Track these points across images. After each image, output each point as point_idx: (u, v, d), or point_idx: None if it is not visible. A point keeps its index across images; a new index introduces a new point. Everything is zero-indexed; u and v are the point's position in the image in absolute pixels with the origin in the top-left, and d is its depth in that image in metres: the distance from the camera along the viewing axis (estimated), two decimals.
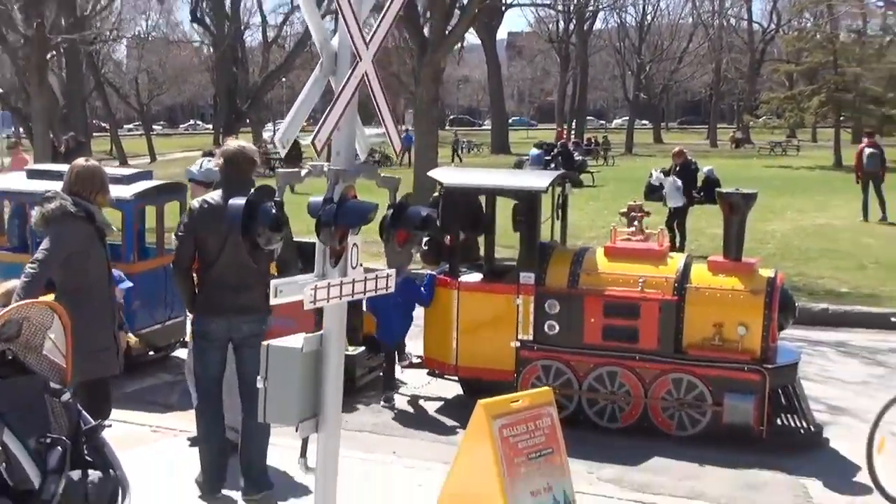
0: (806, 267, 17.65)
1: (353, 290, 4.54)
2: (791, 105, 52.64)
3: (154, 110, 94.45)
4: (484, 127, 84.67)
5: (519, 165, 35.18)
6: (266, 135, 62.17)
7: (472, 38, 76.10)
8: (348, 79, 4.36)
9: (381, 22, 4.54)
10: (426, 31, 19.68)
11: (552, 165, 34.56)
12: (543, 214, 10.09)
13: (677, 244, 19.02)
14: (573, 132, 68.38)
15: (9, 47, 29.76)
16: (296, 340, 4.56)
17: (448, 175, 10.54)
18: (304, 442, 5.04)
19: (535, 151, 36.94)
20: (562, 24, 73.80)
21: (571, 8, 69.26)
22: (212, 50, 60.29)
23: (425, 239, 10.42)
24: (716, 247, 11.83)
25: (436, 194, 10.71)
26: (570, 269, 9.60)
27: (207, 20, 57.38)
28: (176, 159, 59.65)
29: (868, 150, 25.00)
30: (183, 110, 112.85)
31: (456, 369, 9.98)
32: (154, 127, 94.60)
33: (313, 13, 4.40)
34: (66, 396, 5.91)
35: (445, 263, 10.23)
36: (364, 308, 10.26)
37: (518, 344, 9.60)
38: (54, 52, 38.11)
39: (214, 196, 6.79)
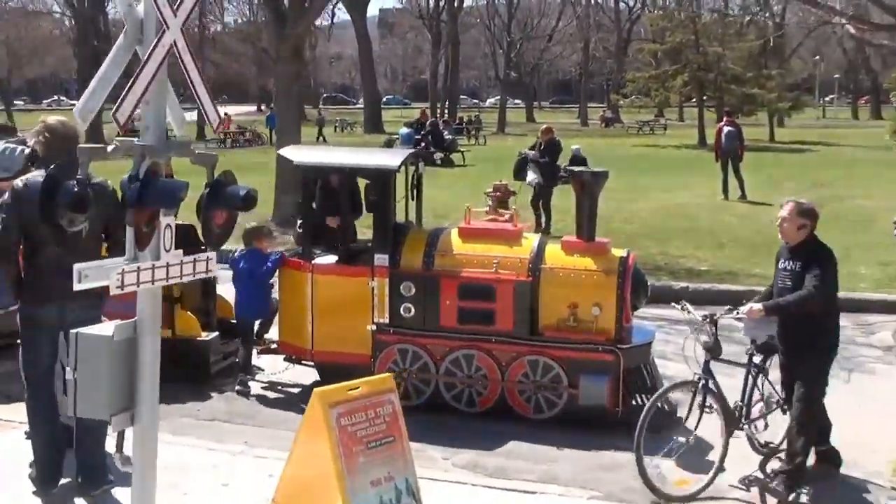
0: (667, 246, 17.84)
1: (167, 275, 4.26)
2: (656, 84, 53.53)
3: (15, 85, 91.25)
4: (358, 106, 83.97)
5: (389, 144, 34.93)
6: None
7: (342, 14, 75.88)
8: (153, 49, 4.07)
9: None
10: (285, 3, 19.13)
11: (422, 144, 34.44)
12: (399, 194, 9.88)
13: (543, 224, 19.06)
14: (446, 111, 68.32)
15: None
16: (107, 328, 4.25)
17: (299, 154, 10.22)
18: (120, 436, 4.73)
19: (404, 130, 36.78)
20: (432, 1, 73.58)
21: None
22: (73, 22, 58.36)
23: (299, 222, 10.17)
24: None
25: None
26: (425, 250, 9.41)
27: None
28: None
29: (726, 129, 25.44)
30: (46, 84, 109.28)
31: (312, 354, 9.72)
32: (16, 102, 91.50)
33: None
34: None
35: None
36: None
37: (374, 327, 9.38)
38: None
39: (38, 175, 6.40)
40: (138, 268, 4.07)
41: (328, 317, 9.55)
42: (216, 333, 10.02)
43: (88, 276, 3.97)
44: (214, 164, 4.45)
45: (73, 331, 4.29)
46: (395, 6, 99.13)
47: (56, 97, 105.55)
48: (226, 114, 48.52)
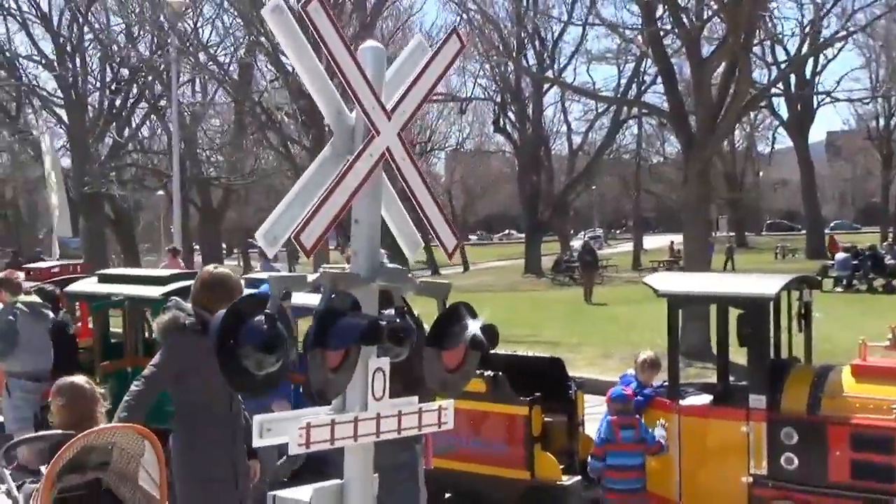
0: None
1: (377, 429, 3.46)
2: None
3: (470, 220, 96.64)
4: (801, 232, 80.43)
5: (823, 271, 32.53)
6: (575, 243, 61.91)
7: (785, 139, 73.32)
8: (355, 159, 3.34)
9: (411, 85, 3.53)
10: (692, 127, 18.27)
11: (860, 271, 31.81)
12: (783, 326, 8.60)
13: None
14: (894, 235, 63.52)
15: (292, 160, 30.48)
16: (304, 492, 3.51)
17: (664, 282, 9.19)
18: None
19: (840, 256, 34.18)
20: (882, 120, 69.19)
21: (892, 102, 64.95)
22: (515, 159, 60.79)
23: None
24: None
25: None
26: (810, 391, 8.01)
27: (509, 129, 57.96)
28: (489, 268, 60.40)
29: None
30: (498, 220, 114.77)
31: None
32: (471, 237, 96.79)
33: (315, 73, 3.41)
34: None
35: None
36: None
37: (750, 480, 8.06)
38: None
39: None
40: (332, 421, 3.32)
41: (697, 465, 8.36)
42: (579, 478, 9.08)
43: (272, 429, 3.27)
44: (446, 294, 3.65)
45: (271, 493, 3.60)
46: (842, 128, 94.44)
47: (507, 231, 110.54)
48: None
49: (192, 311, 6.01)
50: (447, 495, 9.59)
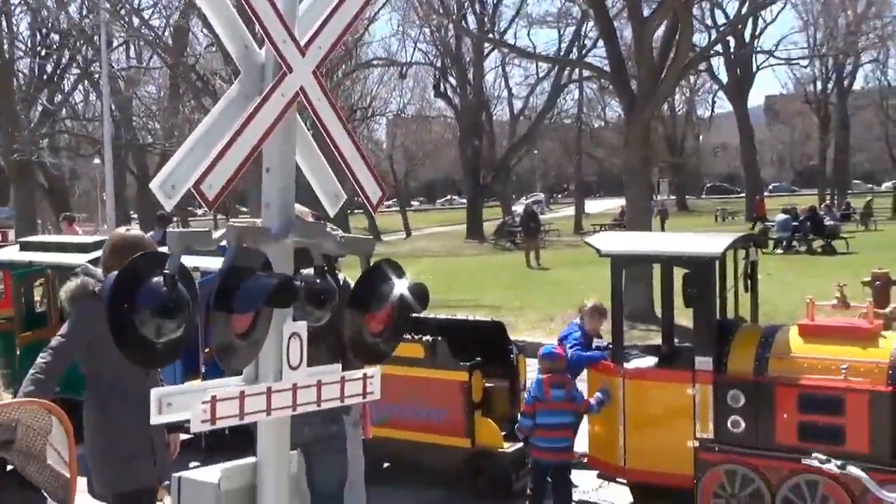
0: None
1: (293, 402, 3.10)
2: None
3: (412, 186, 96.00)
4: (741, 195, 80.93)
5: (763, 232, 32.62)
6: (517, 207, 61.67)
7: (725, 104, 73.60)
8: (264, 99, 2.97)
9: (328, 18, 3.15)
10: (633, 89, 17.99)
11: (800, 232, 31.96)
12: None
13: None
14: (835, 197, 64.10)
15: None
16: (212, 473, 3.16)
17: (607, 242, 8.89)
18: None
19: (781, 217, 34.30)
20: (819, 83, 69.66)
21: (829, 65, 65.41)
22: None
23: None
24: None
25: None
26: (757, 352, 7.77)
27: (450, 94, 57.52)
28: (431, 234, 60.08)
29: None
30: (440, 185, 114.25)
31: (625, 472, 8.29)
32: (412, 203, 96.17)
33: (218, 3, 3.01)
34: None
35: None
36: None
37: (696, 444, 7.83)
38: None
39: None
40: (242, 393, 2.96)
41: (642, 429, 8.12)
42: (521, 444, 8.80)
43: (172, 403, 2.91)
44: (370, 251, 3.30)
45: (177, 475, 3.24)
46: (781, 92, 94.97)
47: (449, 197, 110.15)
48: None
49: (103, 278, 5.58)
50: (385, 465, 9.29)
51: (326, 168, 3.37)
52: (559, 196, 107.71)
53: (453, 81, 57.98)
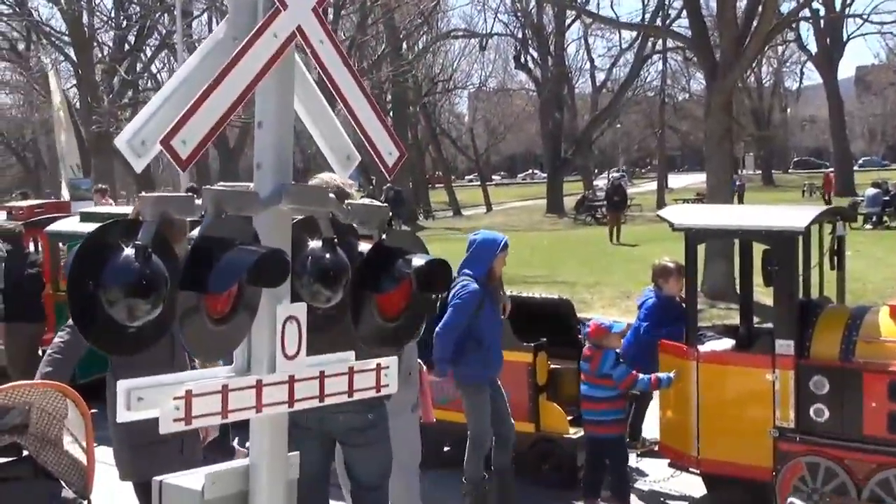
0: None
1: (289, 397, 2.66)
2: None
3: (494, 160, 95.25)
4: (830, 169, 78.95)
5: (853, 206, 31.49)
6: (598, 182, 60.81)
7: (814, 75, 71.58)
8: (254, 36, 2.51)
9: None
10: (716, 56, 17.23)
11: (891, 206, 30.79)
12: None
13: None
14: None
15: None
16: (196, 479, 2.73)
17: (681, 215, 8.31)
18: None
19: (871, 191, 33.12)
20: None
21: None
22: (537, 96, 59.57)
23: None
24: None
25: None
26: (844, 335, 7.17)
27: (531, 66, 56.75)
28: (512, 208, 59.49)
29: None
30: (521, 159, 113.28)
31: (698, 462, 7.74)
32: (493, 177, 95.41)
33: None
34: None
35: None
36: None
37: (776, 433, 7.27)
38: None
39: None
40: (224, 387, 2.52)
41: (717, 417, 7.57)
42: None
43: (143, 398, 2.48)
44: (384, 221, 2.83)
45: (157, 478, 2.82)
46: (872, 63, 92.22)
47: (530, 171, 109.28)
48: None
49: None
50: (446, 448, 8.86)
51: (336, 124, 2.91)
52: (642, 171, 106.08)
53: (534, 53, 57.26)
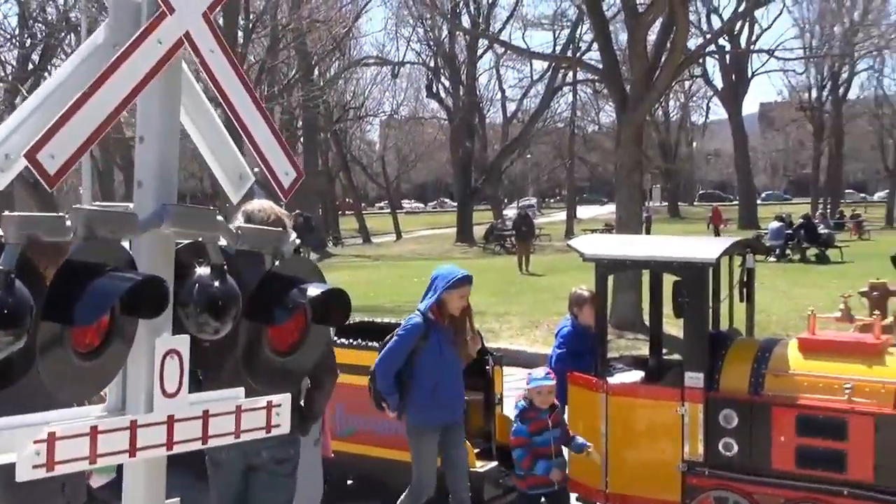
0: None
1: (167, 439, 2.41)
2: None
3: (404, 188, 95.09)
4: (734, 202, 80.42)
5: (757, 239, 32.02)
6: (508, 211, 61.01)
7: (720, 110, 72.90)
8: (134, 42, 2.28)
9: None
10: (627, 90, 17.33)
11: (793, 240, 31.39)
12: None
13: None
14: (828, 206, 63.56)
15: None
16: None
17: (590, 245, 8.21)
18: None
19: (774, 224, 33.69)
20: (814, 92, 69.11)
21: (824, 72, 64.83)
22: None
23: None
24: None
25: None
26: (753, 367, 7.12)
27: (443, 95, 56.90)
28: (422, 236, 59.38)
29: None
30: (432, 187, 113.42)
31: (606, 496, 7.59)
32: (404, 204, 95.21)
33: None
34: None
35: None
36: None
37: (684, 467, 7.17)
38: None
39: None
40: (93, 429, 2.26)
41: (626, 450, 7.44)
42: (495, 463, 8.11)
43: (2, 440, 2.21)
44: (277, 246, 2.61)
45: None
46: (775, 100, 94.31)
47: (440, 199, 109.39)
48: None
49: None
50: (349, 482, 8.60)
51: (228, 142, 2.67)
52: (551, 201, 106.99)
53: (446, 83, 57.40)
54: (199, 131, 2.63)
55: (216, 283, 2.49)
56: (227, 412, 2.55)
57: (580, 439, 7.16)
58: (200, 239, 2.52)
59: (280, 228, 4.85)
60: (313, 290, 2.52)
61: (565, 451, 7.34)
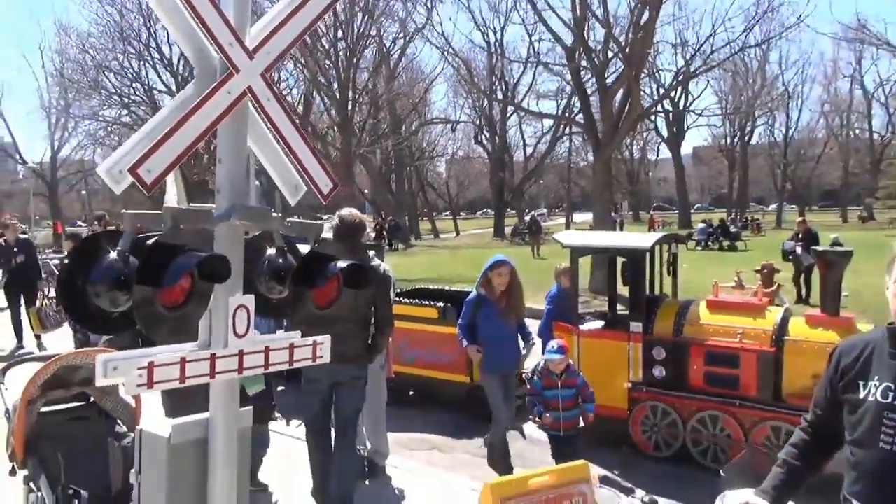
0: None
1: (239, 365, 2.24)
2: None
3: (461, 202, 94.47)
4: (676, 210, 78.87)
5: (688, 236, 31.24)
6: (527, 218, 60.32)
7: (666, 151, 71.56)
8: (210, 93, 2.09)
9: (278, 27, 2.26)
10: (599, 134, 16.88)
11: (714, 236, 30.59)
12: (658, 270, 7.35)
13: (803, 296, 15.43)
14: (737, 213, 61.94)
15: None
16: (164, 427, 2.30)
17: (569, 237, 7.95)
18: None
19: (700, 226, 32.93)
20: (729, 139, 67.40)
21: (735, 125, 63.27)
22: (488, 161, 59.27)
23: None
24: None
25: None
26: (675, 319, 6.80)
27: (485, 142, 56.44)
28: (472, 234, 58.97)
29: None
30: (479, 202, 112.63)
31: None
32: (461, 213, 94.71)
33: (172, 10, 2.15)
34: (128, 440, 3.94)
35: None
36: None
37: (630, 385, 6.87)
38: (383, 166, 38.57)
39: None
40: (182, 360, 2.10)
41: (593, 374, 7.11)
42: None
43: (118, 367, 2.05)
44: (317, 234, 2.42)
45: (139, 427, 2.39)
46: (703, 144, 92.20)
47: (485, 210, 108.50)
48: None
49: None
50: (410, 392, 8.43)
51: (285, 161, 2.49)
52: (556, 210, 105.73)
53: (487, 134, 56.78)
54: (262, 153, 2.45)
55: (280, 260, 2.32)
56: (283, 348, 2.37)
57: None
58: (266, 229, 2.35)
59: (359, 227, 4.69)
60: (342, 264, 2.34)
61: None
